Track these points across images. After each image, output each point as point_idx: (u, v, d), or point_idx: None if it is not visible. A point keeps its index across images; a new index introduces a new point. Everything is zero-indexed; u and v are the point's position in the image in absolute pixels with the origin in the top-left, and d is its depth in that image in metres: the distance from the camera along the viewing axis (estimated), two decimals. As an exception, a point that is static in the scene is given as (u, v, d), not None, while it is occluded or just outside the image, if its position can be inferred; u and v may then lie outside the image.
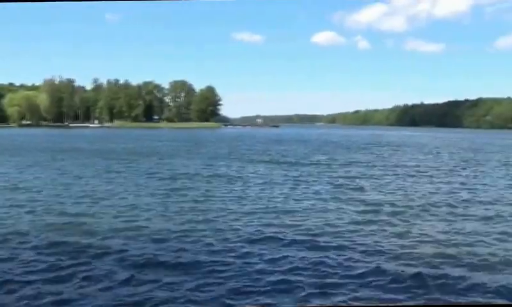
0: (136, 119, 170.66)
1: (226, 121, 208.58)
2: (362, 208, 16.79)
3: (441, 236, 12.87)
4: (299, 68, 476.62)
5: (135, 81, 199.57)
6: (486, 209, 16.85)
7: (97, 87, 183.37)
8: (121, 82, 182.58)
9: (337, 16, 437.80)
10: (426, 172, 29.64)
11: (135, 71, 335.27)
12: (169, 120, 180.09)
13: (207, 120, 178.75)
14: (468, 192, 21.00)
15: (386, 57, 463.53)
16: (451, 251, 11.43)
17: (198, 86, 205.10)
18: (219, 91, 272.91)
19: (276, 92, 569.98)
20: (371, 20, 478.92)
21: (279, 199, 18.33)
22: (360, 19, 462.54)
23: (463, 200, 18.88)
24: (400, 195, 20.17)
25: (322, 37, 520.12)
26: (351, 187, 22.32)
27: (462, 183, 24.49)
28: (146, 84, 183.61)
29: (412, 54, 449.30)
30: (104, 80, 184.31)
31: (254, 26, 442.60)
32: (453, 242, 12.39)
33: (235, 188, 21.02)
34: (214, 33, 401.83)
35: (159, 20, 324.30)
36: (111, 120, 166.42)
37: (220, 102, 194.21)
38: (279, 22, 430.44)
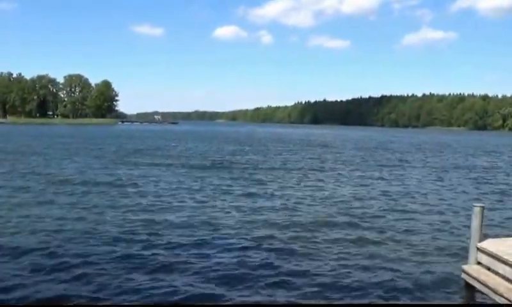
0: (29, 114, 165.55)
1: (123, 117, 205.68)
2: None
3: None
4: (200, 63, 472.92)
5: (29, 74, 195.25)
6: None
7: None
8: (15, 75, 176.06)
9: (240, 11, 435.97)
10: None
11: (29, 63, 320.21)
12: (64, 116, 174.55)
13: (103, 116, 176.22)
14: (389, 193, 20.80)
15: (290, 52, 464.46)
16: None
17: (95, 80, 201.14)
18: (117, 86, 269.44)
19: (175, 88, 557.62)
20: (276, 15, 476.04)
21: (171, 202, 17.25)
22: (264, 14, 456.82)
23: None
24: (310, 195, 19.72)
25: (225, 32, 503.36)
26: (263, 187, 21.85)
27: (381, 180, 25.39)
28: (40, 77, 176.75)
29: (317, 49, 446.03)
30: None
31: (155, 19, 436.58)
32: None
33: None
34: (113, 25, 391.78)
35: (57, 10, 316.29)
36: (4, 116, 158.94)
37: (117, 98, 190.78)
38: (181, 15, 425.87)
